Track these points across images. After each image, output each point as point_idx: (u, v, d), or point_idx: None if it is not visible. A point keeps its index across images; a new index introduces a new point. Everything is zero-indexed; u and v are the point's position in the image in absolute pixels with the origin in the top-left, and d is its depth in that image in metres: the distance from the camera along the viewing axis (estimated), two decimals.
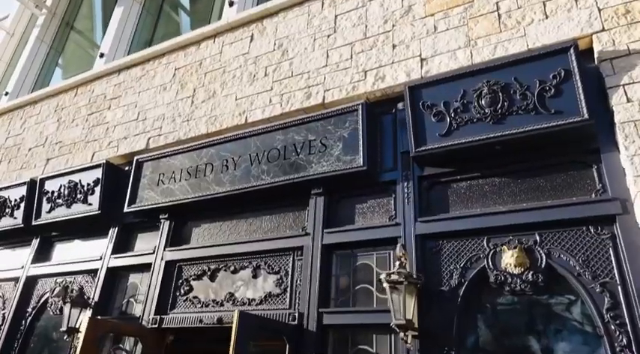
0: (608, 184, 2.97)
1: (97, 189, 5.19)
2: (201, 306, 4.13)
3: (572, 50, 3.15)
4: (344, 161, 3.81)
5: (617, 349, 2.59)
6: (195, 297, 4.22)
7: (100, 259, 4.96)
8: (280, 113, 4.44)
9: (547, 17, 3.51)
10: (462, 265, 3.19)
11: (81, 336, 3.64)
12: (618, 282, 2.72)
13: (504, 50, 3.53)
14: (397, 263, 3.15)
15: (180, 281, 4.38)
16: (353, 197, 3.89)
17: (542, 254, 2.96)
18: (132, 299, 4.66)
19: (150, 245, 4.77)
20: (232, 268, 4.15)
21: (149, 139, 5.25)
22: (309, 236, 3.84)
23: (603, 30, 3.26)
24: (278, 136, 4.26)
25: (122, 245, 5.01)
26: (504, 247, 3.10)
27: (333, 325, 3.44)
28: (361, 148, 3.75)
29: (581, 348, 2.73)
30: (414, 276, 3.08)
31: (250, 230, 4.29)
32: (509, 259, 3.05)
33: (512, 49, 3.50)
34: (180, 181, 4.69)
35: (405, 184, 3.61)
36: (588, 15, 3.36)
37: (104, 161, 5.27)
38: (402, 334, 2.97)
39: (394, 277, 3.03)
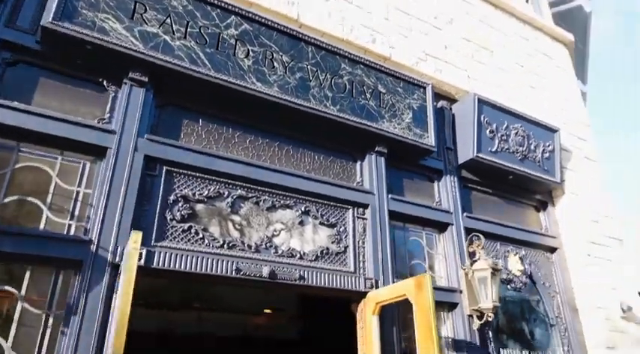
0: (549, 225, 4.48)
1: None
2: (220, 246, 2.66)
3: (557, 134, 4.58)
4: (414, 133, 3.67)
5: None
6: (204, 229, 2.65)
7: None
8: (341, 38, 3.65)
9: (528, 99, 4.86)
10: None
11: None
12: (557, 290, 4.18)
13: (514, 104, 4.58)
14: (482, 251, 3.46)
15: (173, 197, 2.63)
16: (401, 170, 3.73)
17: (527, 265, 4.07)
18: (37, 201, 2.30)
19: (83, 110, 2.56)
20: (269, 204, 2.94)
21: None
22: (374, 196, 3.37)
23: None
24: (344, 65, 3.50)
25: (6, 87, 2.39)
26: (510, 253, 4.01)
27: None
28: (432, 129, 3.75)
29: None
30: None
31: (288, 162, 3.18)
32: (514, 264, 3.98)
33: (513, 106, 4.60)
34: (185, 37, 2.86)
35: (452, 177, 3.90)
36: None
37: None
38: (490, 315, 3.27)
39: (491, 264, 3.34)
